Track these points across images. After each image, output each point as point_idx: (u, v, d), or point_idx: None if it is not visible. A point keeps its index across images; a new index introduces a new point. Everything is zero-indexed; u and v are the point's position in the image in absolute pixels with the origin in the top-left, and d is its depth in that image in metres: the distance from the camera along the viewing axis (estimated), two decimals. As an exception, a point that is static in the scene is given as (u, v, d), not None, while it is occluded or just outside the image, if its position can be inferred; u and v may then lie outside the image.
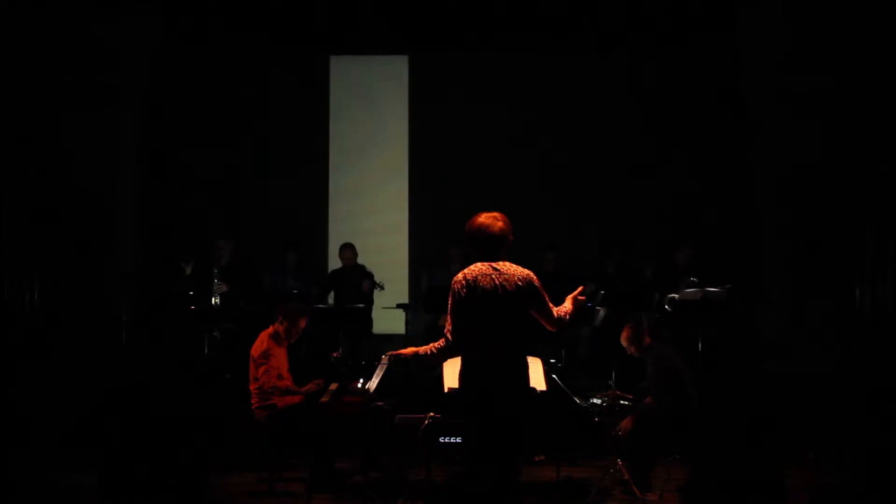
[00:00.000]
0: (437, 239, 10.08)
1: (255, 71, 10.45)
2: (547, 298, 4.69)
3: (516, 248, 4.75)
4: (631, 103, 10.25)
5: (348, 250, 9.35)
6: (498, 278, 4.61)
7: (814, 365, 8.15)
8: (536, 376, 5.98)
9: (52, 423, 7.62)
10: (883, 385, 7.80)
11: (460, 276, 4.67)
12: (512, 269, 4.65)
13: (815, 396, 7.80)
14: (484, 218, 4.71)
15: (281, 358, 6.68)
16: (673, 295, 8.20)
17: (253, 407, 6.60)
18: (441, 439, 6.19)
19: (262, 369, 6.55)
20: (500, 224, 4.68)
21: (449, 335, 4.64)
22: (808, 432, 7.47)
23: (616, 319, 8.55)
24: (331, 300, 9.31)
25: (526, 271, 4.68)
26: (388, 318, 9.39)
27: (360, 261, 9.39)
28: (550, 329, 4.76)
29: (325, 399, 6.44)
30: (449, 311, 4.66)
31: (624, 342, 6.76)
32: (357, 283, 9.21)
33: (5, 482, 6.54)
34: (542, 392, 5.92)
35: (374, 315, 9.27)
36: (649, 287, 8.87)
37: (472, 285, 4.60)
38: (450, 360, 5.28)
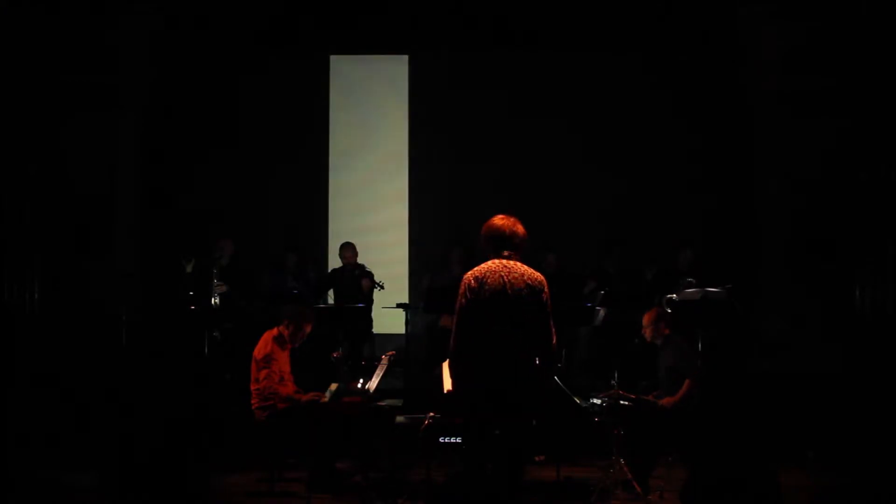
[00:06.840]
0: (437, 239, 10.08)
1: (255, 71, 10.44)
2: (550, 314, 4.65)
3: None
4: (630, 103, 10.25)
5: (348, 250, 9.34)
6: (507, 276, 4.62)
7: (814, 365, 8.15)
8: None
9: (52, 423, 7.61)
10: (883, 385, 7.81)
11: (470, 274, 4.68)
12: (522, 269, 4.67)
13: (815, 396, 7.80)
14: (503, 218, 4.78)
15: (283, 361, 6.67)
16: (672, 295, 8.20)
17: (253, 407, 6.60)
18: (441, 439, 6.19)
19: (263, 373, 6.54)
20: (520, 227, 4.75)
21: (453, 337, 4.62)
22: (808, 432, 7.47)
23: (616, 319, 8.58)
24: (331, 300, 9.31)
25: (540, 276, 4.69)
26: (388, 318, 9.38)
27: (360, 260, 9.39)
28: (539, 342, 4.66)
29: (325, 399, 6.44)
30: (457, 310, 4.64)
31: (645, 321, 6.78)
32: (357, 282, 9.21)
33: (5, 482, 6.54)
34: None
35: (374, 315, 9.27)
36: (649, 287, 8.87)
37: (481, 282, 4.61)
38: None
